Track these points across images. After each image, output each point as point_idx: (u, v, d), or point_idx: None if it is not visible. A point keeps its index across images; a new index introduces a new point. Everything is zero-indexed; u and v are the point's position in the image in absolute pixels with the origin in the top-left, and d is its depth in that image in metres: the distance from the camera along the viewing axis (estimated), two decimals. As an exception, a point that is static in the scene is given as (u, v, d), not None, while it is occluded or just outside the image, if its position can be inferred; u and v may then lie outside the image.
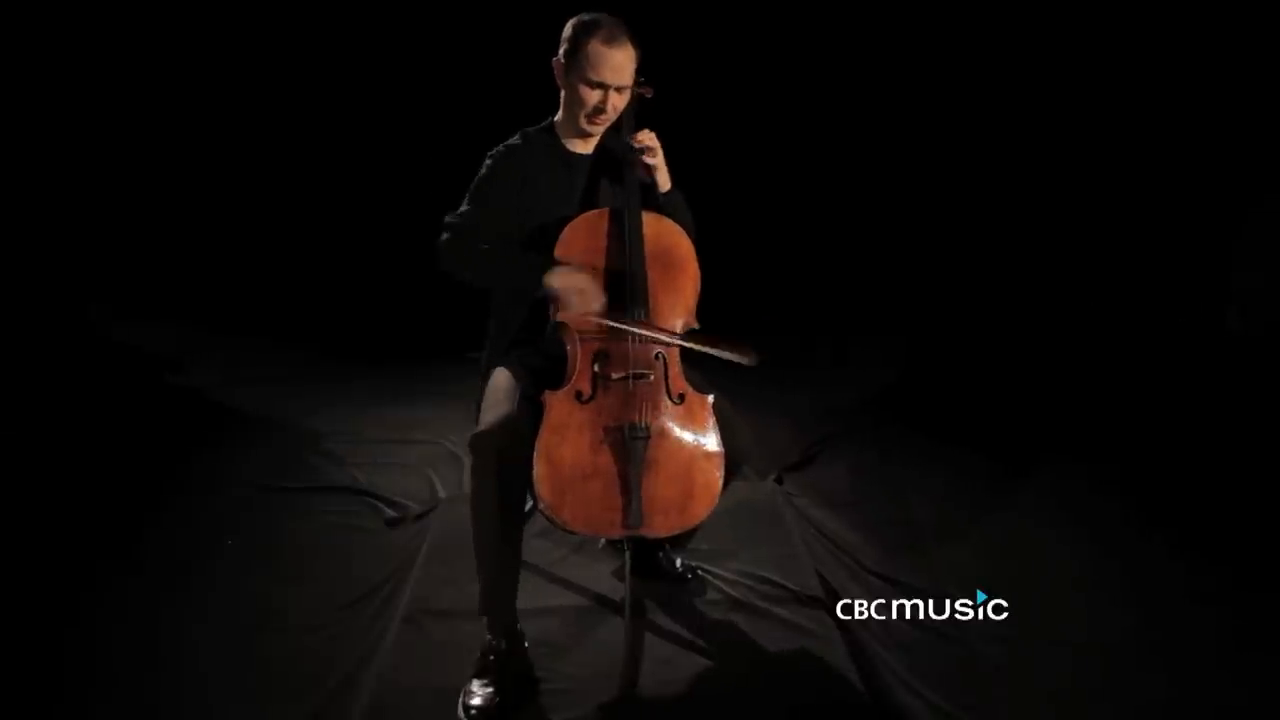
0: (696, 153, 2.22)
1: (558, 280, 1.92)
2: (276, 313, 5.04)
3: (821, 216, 5.41)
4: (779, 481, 3.11)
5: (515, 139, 2.16)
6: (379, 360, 4.43)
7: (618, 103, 2.05)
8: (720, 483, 2.00)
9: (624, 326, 1.97)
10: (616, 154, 2.15)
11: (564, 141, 2.17)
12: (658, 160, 2.11)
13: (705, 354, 1.99)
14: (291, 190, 5.35)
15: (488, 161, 2.11)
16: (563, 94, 2.12)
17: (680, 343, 2.02)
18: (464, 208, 2.05)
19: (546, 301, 2.02)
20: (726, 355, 1.97)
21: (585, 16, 2.04)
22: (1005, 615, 2.32)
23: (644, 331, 1.99)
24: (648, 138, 2.09)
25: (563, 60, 2.06)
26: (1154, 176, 4.96)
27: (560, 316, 1.96)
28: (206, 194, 5.38)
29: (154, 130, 5.23)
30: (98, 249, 5.19)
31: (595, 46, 1.99)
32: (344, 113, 5.27)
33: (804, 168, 5.34)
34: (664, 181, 2.15)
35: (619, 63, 2.00)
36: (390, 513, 2.89)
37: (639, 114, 2.15)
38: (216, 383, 4.03)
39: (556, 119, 2.17)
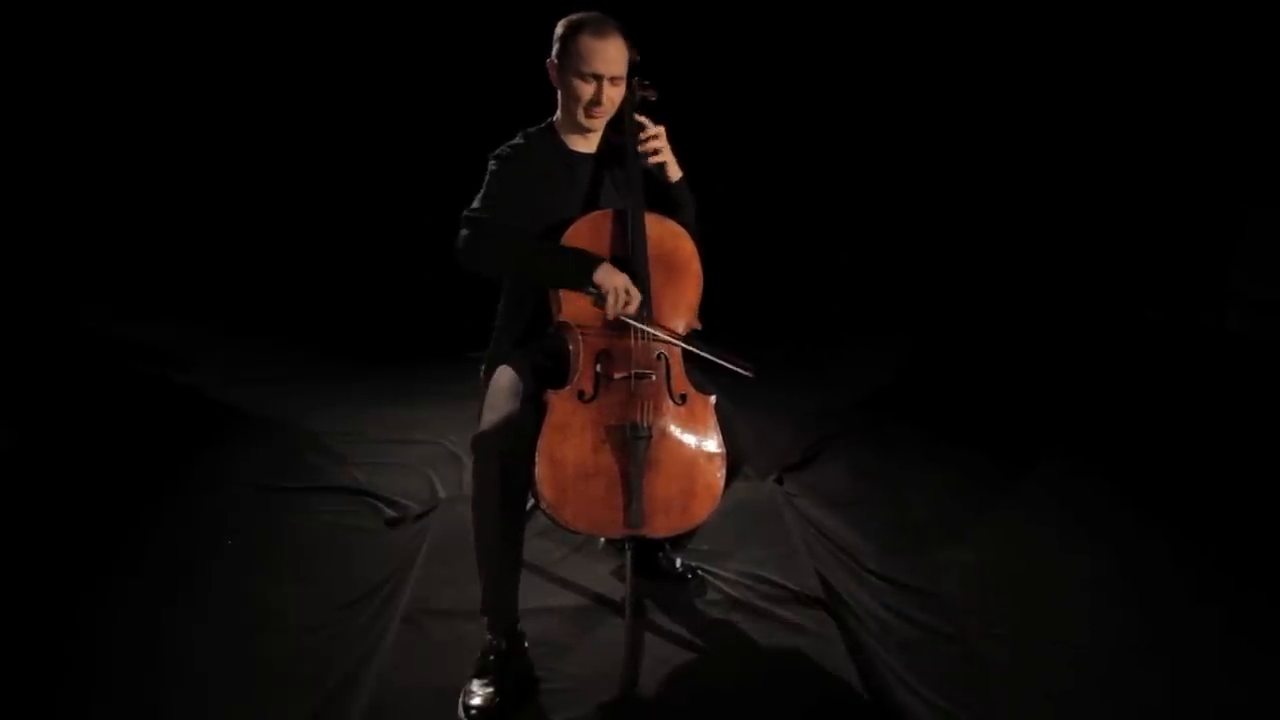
0: (697, 153, 2.22)
1: (606, 279, 1.92)
2: (276, 313, 5.04)
3: (821, 216, 5.42)
4: (779, 481, 3.10)
5: (517, 139, 2.16)
6: (379, 360, 4.42)
7: (613, 95, 2.07)
8: (721, 483, 2.00)
9: (646, 328, 1.98)
10: (619, 153, 2.16)
11: (565, 140, 2.17)
12: (662, 147, 2.12)
13: (706, 359, 2.00)
14: (292, 191, 5.36)
15: (492, 163, 2.11)
16: (559, 94, 2.14)
17: (685, 346, 2.02)
18: (483, 198, 2.06)
19: (548, 300, 2.03)
20: (728, 365, 1.98)
21: (573, 16, 2.08)
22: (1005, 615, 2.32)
23: (658, 333, 1.99)
24: (650, 125, 2.11)
25: (555, 60, 2.09)
26: (1155, 177, 4.97)
27: (610, 313, 1.93)
28: (207, 194, 5.39)
29: (154, 131, 5.24)
30: (99, 249, 5.20)
31: (585, 40, 2.02)
32: (344, 114, 5.27)
33: (804, 167, 5.35)
34: (673, 171, 2.16)
35: (610, 54, 2.02)
36: (390, 513, 2.89)
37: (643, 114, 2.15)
38: (216, 382, 4.03)
39: (555, 119, 2.18)
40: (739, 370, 1.98)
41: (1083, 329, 4.83)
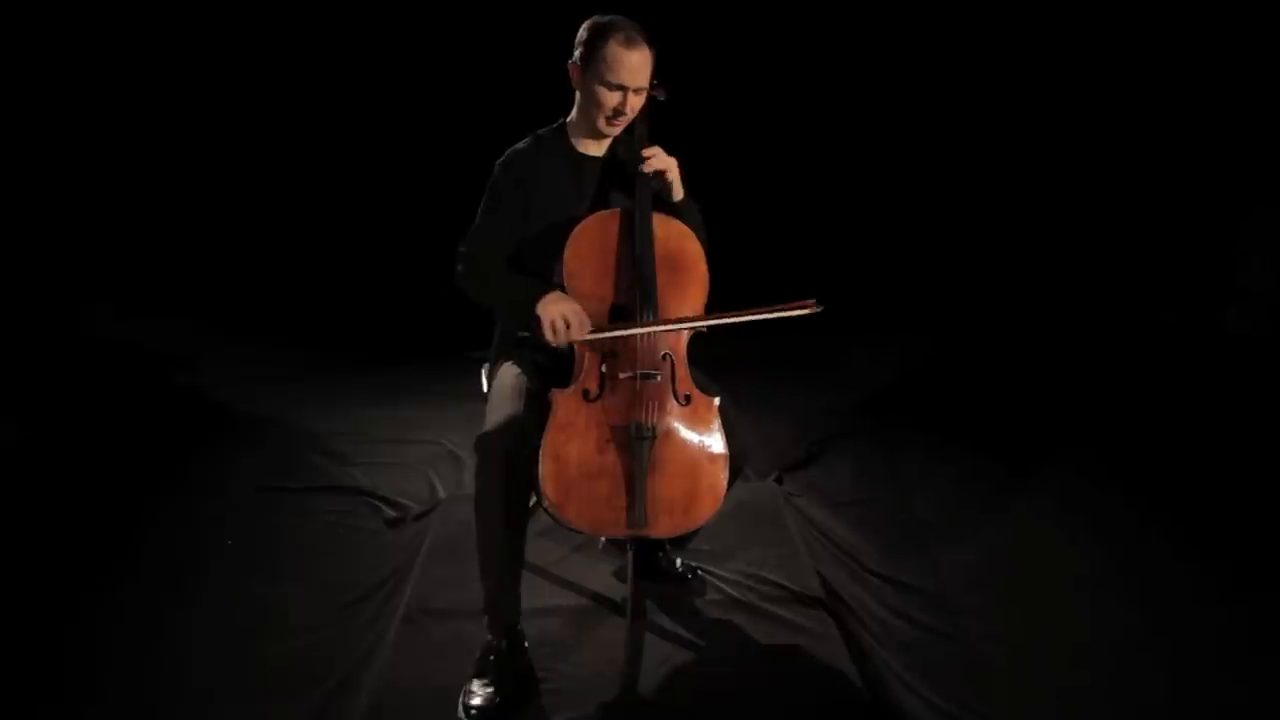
0: (704, 151, 2.21)
1: (544, 310, 1.90)
2: (277, 313, 5.04)
3: (824, 216, 5.42)
4: (779, 481, 3.10)
5: (523, 143, 2.15)
6: (379, 360, 4.43)
7: (635, 104, 2.05)
8: (725, 484, 2.00)
9: (622, 334, 1.96)
10: (628, 157, 2.15)
11: (575, 143, 2.16)
12: (670, 176, 2.09)
13: (757, 321, 1.94)
14: (293, 191, 5.35)
15: (496, 170, 2.11)
16: (578, 96, 2.11)
17: (727, 320, 1.96)
18: (475, 225, 2.09)
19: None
20: (786, 313, 1.92)
21: (600, 18, 2.03)
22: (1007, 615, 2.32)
23: (652, 329, 1.97)
24: (657, 158, 2.06)
25: (579, 63, 2.05)
26: (1156, 177, 4.97)
27: (552, 343, 1.91)
28: (209, 194, 5.39)
29: (157, 131, 5.23)
30: (100, 249, 5.19)
31: (613, 49, 1.98)
32: (347, 113, 5.26)
33: (810, 167, 5.35)
34: (677, 192, 2.13)
35: (636, 64, 2.00)
36: (390, 513, 2.89)
37: (652, 115, 2.13)
38: (217, 383, 4.03)
39: (569, 120, 2.17)
40: (802, 311, 1.92)
41: (1084, 328, 4.83)
